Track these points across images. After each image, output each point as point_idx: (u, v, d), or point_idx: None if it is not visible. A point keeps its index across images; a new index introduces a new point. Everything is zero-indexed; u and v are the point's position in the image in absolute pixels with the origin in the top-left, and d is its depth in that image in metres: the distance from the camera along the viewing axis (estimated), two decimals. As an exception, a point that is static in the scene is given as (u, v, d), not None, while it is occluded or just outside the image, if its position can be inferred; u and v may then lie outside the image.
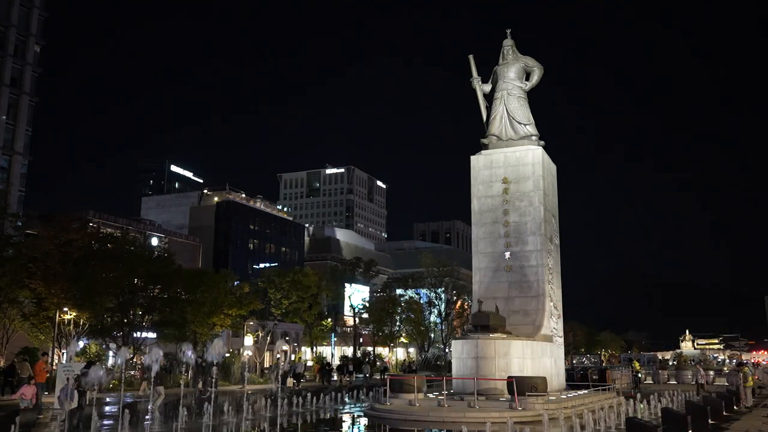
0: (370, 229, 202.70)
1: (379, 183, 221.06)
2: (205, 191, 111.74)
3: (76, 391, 24.19)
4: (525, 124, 32.11)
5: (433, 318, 77.86)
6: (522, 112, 32.24)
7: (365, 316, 78.04)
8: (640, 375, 42.98)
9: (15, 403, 24.08)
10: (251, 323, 57.86)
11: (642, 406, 25.30)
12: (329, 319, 77.50)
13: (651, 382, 51.21)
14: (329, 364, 58.92)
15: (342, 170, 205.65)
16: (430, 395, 27.64)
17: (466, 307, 72.61)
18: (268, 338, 58.95)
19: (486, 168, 31.88)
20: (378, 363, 72.31)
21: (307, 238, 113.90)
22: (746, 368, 30.59)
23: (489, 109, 32.95)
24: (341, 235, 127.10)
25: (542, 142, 32.08)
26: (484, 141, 32.58)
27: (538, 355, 28.00)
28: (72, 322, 40.61)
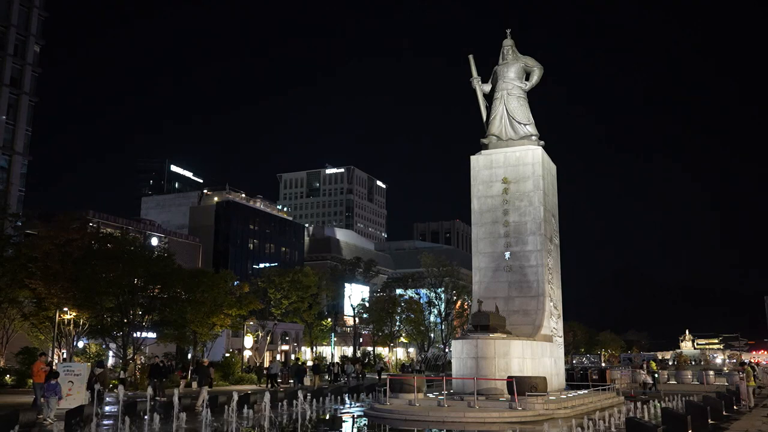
0: (370, 229, 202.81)
1: (379, 183, 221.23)
2: (205, 191, 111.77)
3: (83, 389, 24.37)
4: (525, 124, 32.12)
5: (433, 318, 77.90)
6: (522, 112, 32.24)
7: (365, 316, 78.06)
8: (656, 375, 42.27)
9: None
10: (251, 323, 57.86)
11: (659, 404, 25.26)
12: (329, 319, 77.53)
13: (651, 381, 51.19)
14: (303, 363, 58.23)
15: (342, 170, 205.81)
16: (430, 395, 27.64)
17: (466, 307, 72.65)
18: (268, 338, 58.95)
19: (486, 168, 31.88)
20: (378, 362, 71.76)
21: (306, 238, 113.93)
22: (748, 367, 30.40)
23: (489, 109, 32.95)
24: (341, 235, 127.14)
25: (542, 142, 32.08)
26: (484, 141, 32.58)
27: (538, 355, 28.00)
28: (72, 322, 40.63)
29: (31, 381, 38.29)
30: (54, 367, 33.69)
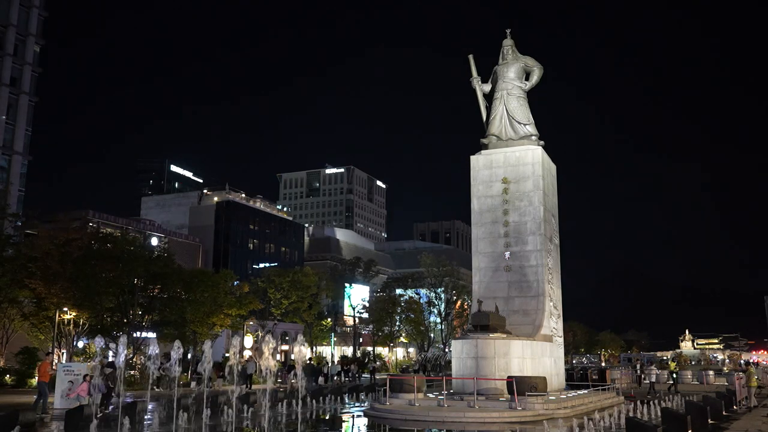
0: (369, 229, 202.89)
1: (379, 183, 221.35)
2: (205, 191, 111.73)
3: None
4: (525, 124, 32.14)
5: (432, 318, 77.91)
6: (522, 111, 32.26)
7: (365, 316, 78.06)
8: (675, 375, 41.04)
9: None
10: (251, 323, 57.86)
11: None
12: (329, 319, 77.52)
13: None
14: (317, 363, 57.89)
15: (342, 170, 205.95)
16: (430, 395, 27.65)
17: (466, 307, 72.64)
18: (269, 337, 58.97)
19: (486, 168, 31.90)
20: (371, 362, 70.66)
21: (306, 238, 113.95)
22: (751, 368, 30.32)
23: (489, 109, 32.98)
24: (341, 235, 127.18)
25: (542, 142, 32.10)
26: (484, 141, 32.60)
27: (538, 354, 28.01)
28: (72, 321, 40.63)
29: (33, 381, 38.43)
30: (54, 367, 33.79)
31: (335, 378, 52.51)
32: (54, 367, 34.11)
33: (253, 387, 38.42)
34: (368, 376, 54.63)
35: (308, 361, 51.58)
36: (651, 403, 24.96)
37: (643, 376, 45.59)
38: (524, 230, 30.64)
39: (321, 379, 46.20)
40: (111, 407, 25.23)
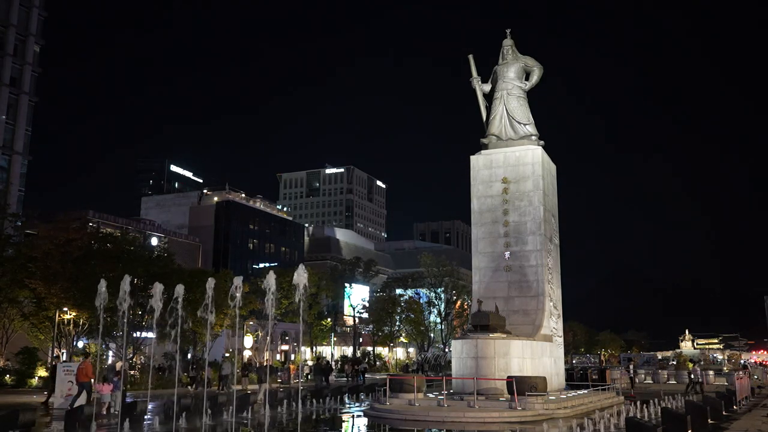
0: (369, 229, 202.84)
1: (379, 183, 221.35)
2: (205, 191, 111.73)
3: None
4: (525, 124, 32.13)
5: (432, 318, 77.93)
6: (522, 111, 32.25)
7: (365, 316, 78.05)
8: (693, 377, 38.75)
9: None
10: (251, 323, 57.86)
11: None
12: (329, 319, 77.54)
13: (651, 381, 51.28)
14: (327, 362, 57.83)
15: (342, 170, 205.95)
16: (430, 395, 27.64)
17: (465, 307, 72.67)
18: (268, 338, 58.96)
19: (486, 168, 31.90)
20: (362, 362, 69.39)
21: (306, 238, 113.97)
22: None
23: (489, 109, 32.97)
24: (341, 235, 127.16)
25: (542, 142, 32.09)
26: (484, 141, 32.60)
27: (538, 354, 28.01)
28: (72, 321, 40.63)
29: (33, 381, 38.42)
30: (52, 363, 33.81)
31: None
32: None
33: (250, 387, 38.32)
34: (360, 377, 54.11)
35: (317, 361, 51.67)
36: (650, 402, 24.94)
37: (637, 378, 45.26)
38: (524, 230, 30.63)
39: (332, 378, 46.39)
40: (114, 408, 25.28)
